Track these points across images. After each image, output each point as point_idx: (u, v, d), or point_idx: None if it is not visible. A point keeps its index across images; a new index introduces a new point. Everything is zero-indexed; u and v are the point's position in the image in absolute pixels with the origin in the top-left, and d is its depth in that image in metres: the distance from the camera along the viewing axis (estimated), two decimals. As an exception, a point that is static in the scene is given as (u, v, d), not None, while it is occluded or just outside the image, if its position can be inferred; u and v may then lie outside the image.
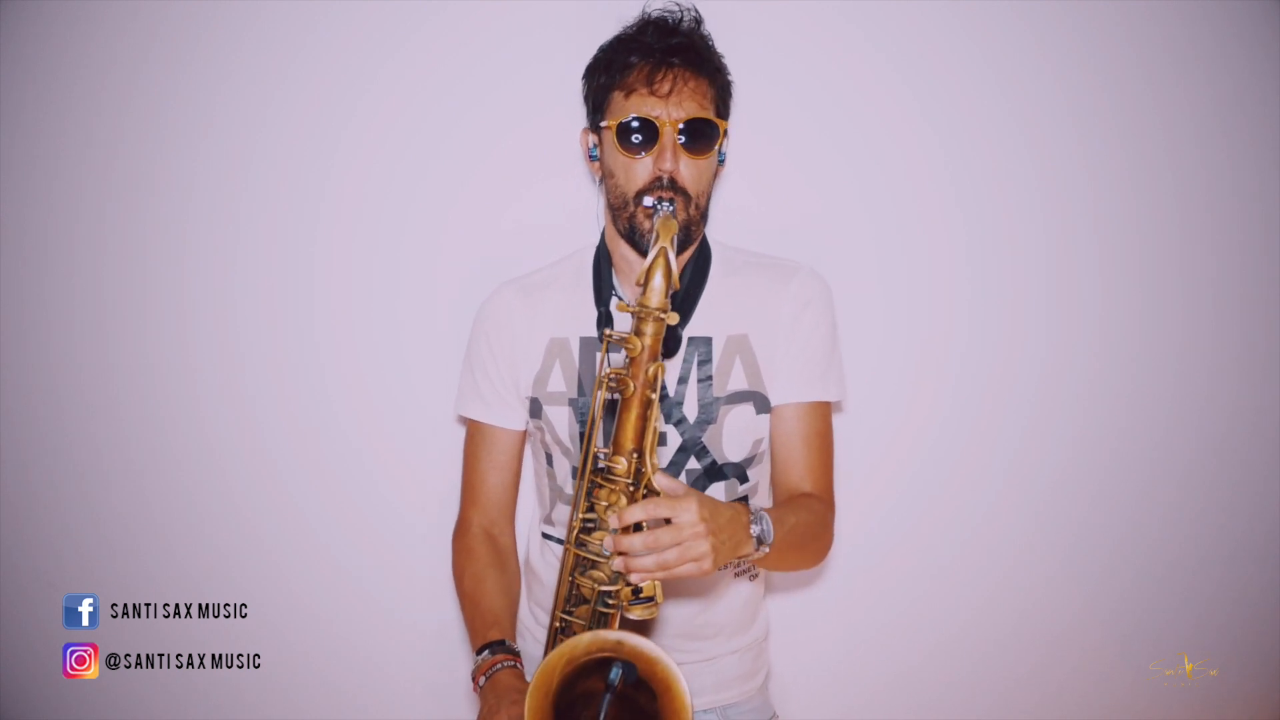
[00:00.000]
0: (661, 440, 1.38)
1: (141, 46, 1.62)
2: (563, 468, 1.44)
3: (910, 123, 1.72)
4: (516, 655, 1.37)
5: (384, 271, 1.69)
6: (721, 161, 1.44)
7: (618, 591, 1.16)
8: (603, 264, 1.45)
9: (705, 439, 1.40)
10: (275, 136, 1.65)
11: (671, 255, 1.17)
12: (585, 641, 1.14)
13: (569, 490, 1.43)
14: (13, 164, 1.62)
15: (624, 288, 1.44)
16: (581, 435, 1.38)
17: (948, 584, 1.81)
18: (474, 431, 1.51)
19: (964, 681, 1.84)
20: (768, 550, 1.23)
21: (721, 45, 1.45)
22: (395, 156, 1.67)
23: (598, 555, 1.21)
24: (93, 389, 1.67)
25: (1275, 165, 1.78)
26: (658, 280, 1.17)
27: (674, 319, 1.18)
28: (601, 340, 1.23)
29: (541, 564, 1.49)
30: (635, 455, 1.18)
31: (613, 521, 1.14)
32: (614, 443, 1.19)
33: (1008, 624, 1.83)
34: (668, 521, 1.12)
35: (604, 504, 1.20)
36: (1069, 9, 1.72)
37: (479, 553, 1.48)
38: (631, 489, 1.18)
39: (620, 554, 1.13)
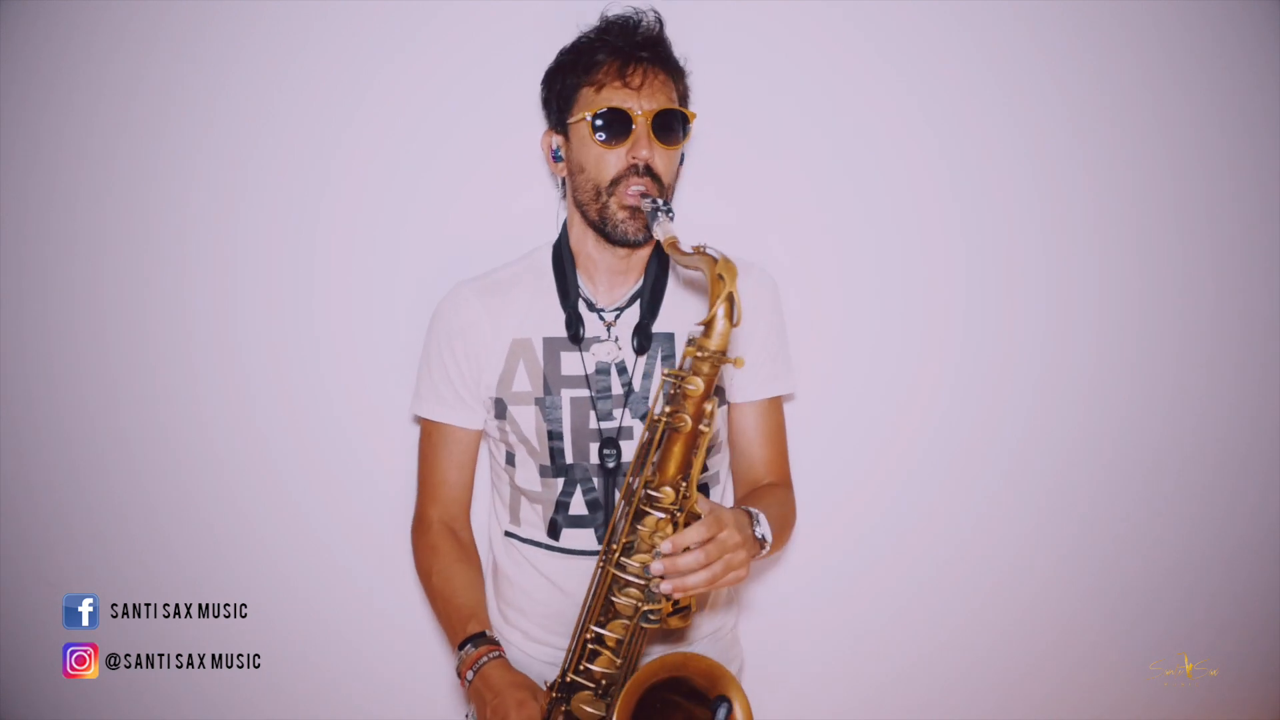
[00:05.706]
0: (629, 434, 1.42)
1: (141, 47, 1.61)
2: (527, 466, 1.45)
3: (907, 119, 1.72)
4: (499, 645, 1.38)
5: (385, 272, 1.69)
6: (680, 161, 1.47)
7: (660, 609, 1.22)
8: (565, 263, 1.46)
9: None
10: (275, 138, 1.64)
11: (737, 298, 1.21)
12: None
13: (535, 489, 1.45)
14: (13, 164, 1.62)
15: (589, 285, 1.46)
16: (550, 434, 1.42)
17: (947, 584, 1.81)
18: (431, 430, 1.52)
19: (964, 682, 1.84)
20: (768, 550, 1.29)
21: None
22: (390, 159, 1.66)
23: (638, 576, 1.25)
24: (93, 389, 1.67)
25: (1275, 165, 1.78)
26: (720, 324, 1.22)
27: (740, 364, 1.23)
28: (665, 378, 1.28)
29: (510, 565, 1.50)
30: (684, 483, 1.24)
31: (665, 547, 1.19)
32: (659, 472, 1.24)
33: (1007, 624, 1.83)
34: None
35: (648, 529, 1.25)
36: (1067, 6, 1.72)
37: (444, 548, 1.49)
38: (677, 514, 1.23)
39: (675, 575, 1.18)
